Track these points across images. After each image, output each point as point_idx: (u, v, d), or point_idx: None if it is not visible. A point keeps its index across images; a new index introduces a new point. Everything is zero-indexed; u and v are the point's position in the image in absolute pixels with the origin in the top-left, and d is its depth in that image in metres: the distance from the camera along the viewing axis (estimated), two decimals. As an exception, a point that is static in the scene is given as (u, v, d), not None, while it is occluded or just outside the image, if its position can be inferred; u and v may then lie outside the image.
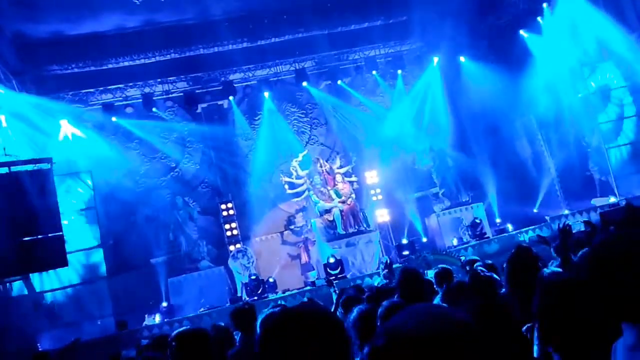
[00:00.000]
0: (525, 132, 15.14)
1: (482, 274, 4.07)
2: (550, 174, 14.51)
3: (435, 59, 15.55)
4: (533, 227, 12.47)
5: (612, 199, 12.02)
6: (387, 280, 7.59)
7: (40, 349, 9.60)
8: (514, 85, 13.78)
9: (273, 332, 1.31)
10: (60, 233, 10.60)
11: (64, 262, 10.72)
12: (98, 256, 12.24)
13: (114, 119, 14.29)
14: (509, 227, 13.45)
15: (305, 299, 6.89)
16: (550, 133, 14.20)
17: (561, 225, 4.33)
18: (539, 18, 13.31)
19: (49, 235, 10.49)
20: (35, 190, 10.29)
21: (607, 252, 1.46)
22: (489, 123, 15.12)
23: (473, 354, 1.01)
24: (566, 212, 12.69)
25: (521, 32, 13.80)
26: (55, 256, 10.49)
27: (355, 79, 16.31)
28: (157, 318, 11.92)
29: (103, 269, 12.20)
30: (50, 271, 11.16)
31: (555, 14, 12.92)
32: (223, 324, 5.01)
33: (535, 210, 14.23)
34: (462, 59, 15.22)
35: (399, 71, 15.98)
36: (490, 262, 5.65)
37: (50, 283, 11.63)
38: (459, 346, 1.01)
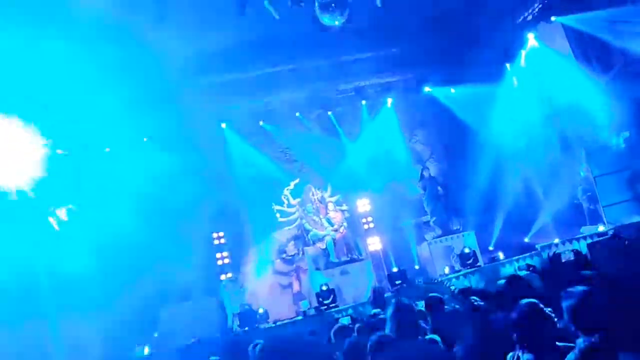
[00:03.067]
0: (515, 161, 15.33)
1: (475, 303, 4.10)
2: (540, 202, 14.66)
3: (427, 89, 15.87)
4: (523, 255, 12.51)
5: (601, 227, 12.13)
6: (375, 307, 7.59)
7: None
8: (503, 115, 14.07)
9: None
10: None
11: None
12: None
13: (107, 149, 14.29)
14: (500, 255, 13.50)
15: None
16: (540, 161, 14.39)
17: (551, 255, 4.40)
18: (523, 50, 13.66)
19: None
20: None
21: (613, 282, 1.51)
22: (480, 152, 15.31)
23: None
24: (556, 240, 12.77)
25: (507, 65, 14.17)
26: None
27: (346, 108, 16.54)
28: (147, 349, 11.74)
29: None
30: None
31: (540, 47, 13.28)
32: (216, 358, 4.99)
33: (526, 240, 14.32)
34: (452, 90, 15.51)
35: (389, 100, 16.24)
36: (484, 289, 5.69)
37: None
38: None
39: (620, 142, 12.51)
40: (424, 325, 4.28)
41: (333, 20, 11.66)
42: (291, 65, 14.44)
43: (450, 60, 15.10)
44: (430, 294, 5.14)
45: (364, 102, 16.10)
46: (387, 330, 3.35)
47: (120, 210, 12.02)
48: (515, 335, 3.07)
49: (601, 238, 10.15)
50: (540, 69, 13.30)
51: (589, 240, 10.23)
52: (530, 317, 3.04)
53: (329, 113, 16.16)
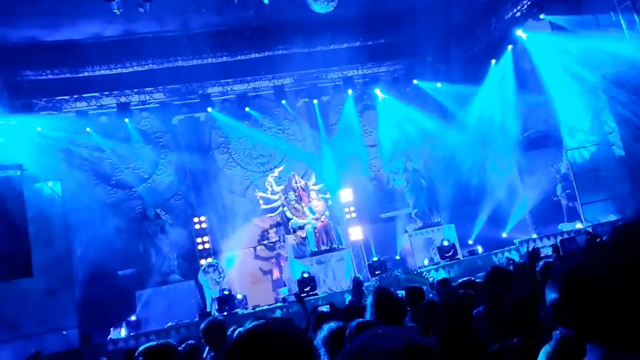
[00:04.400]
0: (496, 156, 15.48)
1: (455, 293, 4.13)
2: (520, 198, 14.84)
3: (414, 81, 15.89)
4: (502, 249, 12.69)
5: (579, 225, 12.34)
6: (355, 297, 7.62)
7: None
8: (487, 111, 14.18)
9: (241, 348, 1.32)
10: (27, 244, 10.33)
11: (28, 273, 10.44)
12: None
13: (88, 129, 14.09)
14: (479, 249, 13.67)
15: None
16: (521, 157, 14.55)
17: (530, 249, 4.46)
18: (509, 46, 13.71)
19: (14, 245, 10.22)
20: (3, 198, 10.03)
21: (580, 275, 1.52)
22: (464, 146, 15.43)
23: None
24: (534, 236, 12.96)
25: (492, 61, 14.24)
26: (20, 266, 10.21)
27: (333, 97, 16.50)
28: (123, 331, 11.67)
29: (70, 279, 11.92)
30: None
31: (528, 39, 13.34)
32: (192, 341, 4.96)
33: (504, 235, 14.51)
34: (438, 85, 15.55)
35: (377, 90, 16.22)
36: (468, 279, 5.74)
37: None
38: None
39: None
40: (403, 313, 4.30)
41: (323, 8, 11.59)
42: (279, 51, 14.31)
43: (438, 54, 15.13)
44: (411, 285, 5.18)
45: (350, 91, 16.03)
46: (367, 317, 3.36)
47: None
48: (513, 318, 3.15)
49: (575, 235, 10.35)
50: (535, 57, 13.31)
51: (566, 237, 10.42)
52: (526, 304, 3.11)
53: (315, 102, 16.10)
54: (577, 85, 12.54)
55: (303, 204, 14.16)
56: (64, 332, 11.21)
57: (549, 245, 6.69)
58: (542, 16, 12.63)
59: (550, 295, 1.97)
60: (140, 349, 3.22)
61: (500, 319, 3.74)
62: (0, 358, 9.70)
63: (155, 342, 3.26)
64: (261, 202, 14.41)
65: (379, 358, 1.05)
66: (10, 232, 10.14)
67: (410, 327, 4.09)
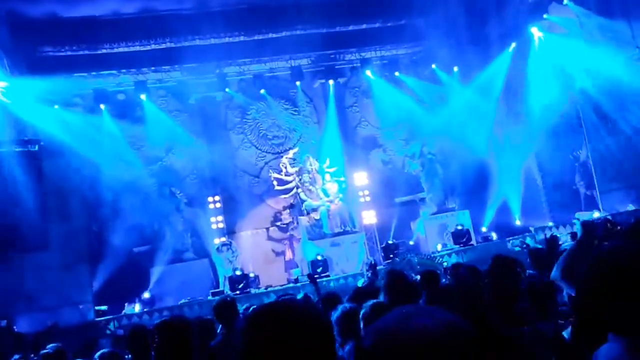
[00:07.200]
0: (514, 142, 15.25)
1: (468, 279, 4.10)
2: (537, 185, 14.66)
3: (433, 66, 15.64)
4: (517, 236, 12.57)
5: (596, 214, 12.16)
6: (370, 280, 7.59)
7: (16, 331, 9.50)
8: (505, 95, 13.96)
9: (256, 324, 1.28)
10: (44, 218, 10.48)
11: (45, 247, 10.62)
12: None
13: (102, 106, 14.06)
14: (493, 235, 13.55)
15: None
16: (540, 145, 14.32)
17: (548, 236, 4.40)
18: (534, 28, 13.39)
19: (32, 219, 10.37)
20: (21, 172, 10.16)
21: (606, 263, 1.47)
22: (480, 132, 15.22)
23: (465, 355, 1.00)
24: (550, 224, 12.81)
25: (512, 44, 13.97)
26: (37, 240, 10.38)
27: (350, 79, 16.32)
28: (137, 307, 11.85)
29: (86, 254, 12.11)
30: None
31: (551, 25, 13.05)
32: (206, 316, 5.01)
33: (517, 222, 14.35)
34: (455, 68, 15.30)
35: (396, 73, 15.95)
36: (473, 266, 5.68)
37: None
38: (450, 347, 0.99)
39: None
40: (416, 296, 4.27)
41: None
42: (297, 31, 14.15)
43: (458, 37, 14.86)
44: (427, 269, 5.15)
45: (369, 73, 15.77)
46: (381, 299, 3.35)
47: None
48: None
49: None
50: (557, 45, 13.01)
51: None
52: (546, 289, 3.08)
53: (330, 82, 15.90)
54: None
55: (317, 186, 14.15)
56: (80, 306, 11.41)
57: (568, 233, 6.59)
58: (565, 1, 12.33)
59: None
60: (157, 322, 3.24)
61: (508, 307, 3.69)
62: (17, 329, 9.90)
63: (171, 316, 3.28)
64: (275, 183, 14.44)
65: (418, 338, 1.00)
66: (27, 206, 10.28)
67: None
